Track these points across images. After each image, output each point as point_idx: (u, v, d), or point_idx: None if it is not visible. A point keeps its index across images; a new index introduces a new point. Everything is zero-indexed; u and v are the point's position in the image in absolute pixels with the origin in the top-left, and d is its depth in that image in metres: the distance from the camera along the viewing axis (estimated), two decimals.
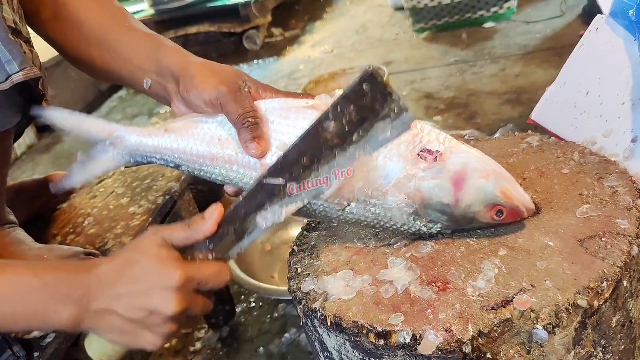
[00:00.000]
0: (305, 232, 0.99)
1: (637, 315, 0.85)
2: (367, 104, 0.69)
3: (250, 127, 0.82)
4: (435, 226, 0.84)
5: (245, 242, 0.79)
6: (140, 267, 0.76)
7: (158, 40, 0.98)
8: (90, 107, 3.81)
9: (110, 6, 1.05)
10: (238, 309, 1.68)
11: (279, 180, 0.74)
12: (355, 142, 0.72)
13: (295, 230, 1.77)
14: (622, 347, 0.83)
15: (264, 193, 0.75)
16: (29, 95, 0.99)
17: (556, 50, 2.89)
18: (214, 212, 0.79)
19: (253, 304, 1.68)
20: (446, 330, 0.72)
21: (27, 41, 0.99)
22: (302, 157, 0.73)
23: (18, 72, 0.92)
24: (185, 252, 0.79)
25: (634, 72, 1.03)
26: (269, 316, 1.63)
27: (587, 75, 1.12)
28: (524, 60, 2.89)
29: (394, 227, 0.85)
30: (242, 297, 1.71)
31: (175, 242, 0.78)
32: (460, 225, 0.84)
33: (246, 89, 0.87)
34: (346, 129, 0.71)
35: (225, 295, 1.63)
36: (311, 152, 0.73)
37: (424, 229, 0.85)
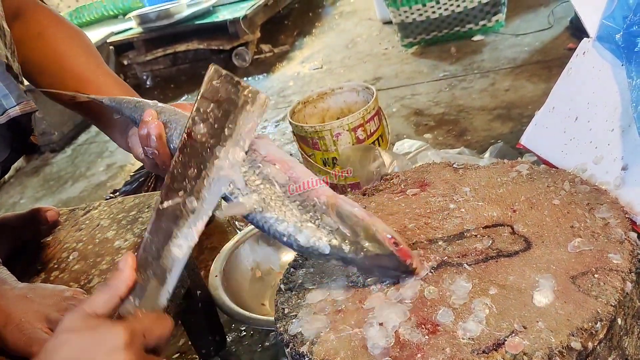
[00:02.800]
0: (292, 269, 0.97)
1: (632, 352, 0.83)
2: (223, 98, 0.72)
3: None
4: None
5: (170, 283, 0.73)
6: (71, 346, 0.65)
7: (130, 91, 1.05)
8: (79, 128, 3.79)
9: (87, 45, 1.06)
10: (229, 339, 1.65)
11: (177, 200, 0.72)
12: (230, 135, 0.72)
13: (286, 256, 1.75)
14: None
15: (166, 220, 0.72)
16: (17, 130, 0.98)
17: (545, 63, 2.89)
18: (127, 258, 0.72)
19: (244, 333, 1.65)
20: None
21: (17, 77, 0.98)
22: (188, 168, 0.72)
23: (15, 106, 0.91)
24: (113, 317, 0.70)
25: (623, 97, 1.01)
26: (260, 345, 1.60)
27: (576, 100, 1.11)
28: (513, 74, 2.89)
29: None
30: (233, 325, 1.68)
31: (99, 310, 0.68)
32: (356, 246, 0.80)
33: None
34: (216, 126, 0.72)
35: (215, 325, 1.60)
36: (194, 160, 0.72)
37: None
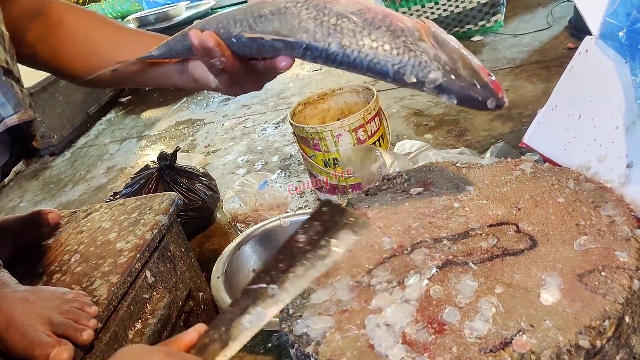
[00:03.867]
0: None
1: None
2: (328, 219, 0.81)
3: None
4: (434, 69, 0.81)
5: (231, 350, 0.77)
6: None
7: (165, 37, 1.03)
8: (78, 131, 3.78)
9: (106, 19, 1.07)
10: None
11: (261, 284, 0.77)
12: (323, 246, 0.79)
13: None
14: None
15: (246, 298, 0.77)
16: (17, 134, 0.97)
17: (544, 63, 2.88)
18: (198, 326, 0.79)
19: None
20: None
21: (18, 80, 0.98)
22: (280, 263, 0.79)
23: (12, 114, 0.90)
24: None
25: (626, 95, 1.01)
26: (263, 347, 1.59)
27: (579, 98, 1.11)
28: (512, 74, 2.88)
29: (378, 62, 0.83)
30: None
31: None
32: (456, 73, 0.81)
33: None
34: (314, 238, 0.80)
35: None
36: (287, 259, 0.79)
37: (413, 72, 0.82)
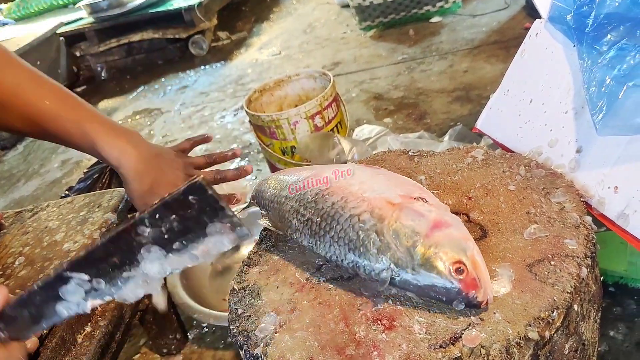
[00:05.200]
0: (245, 268, 0.94)
1: (589, 336, 0.82)
2: (192, 215, 0.63)
3: None
4: (385, 268, 0.75)
5: (44, 325, 0.72)
6: None
7: (92, 128, 0.99)
8: None
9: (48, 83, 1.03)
10: (190, 336, 1.61)
11: (83, 276, 0.67)
12: (178, 250, 0.66)
13: (246, 249, 1.71)
14: None
15: (63, 284, 0.69)
16: None
17: (502, 43, 2.90)
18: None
19: (206, 330, 1.61)
20: None
21: None
22: (111, 257, 0.67)
23: None
24: None
25: (575, 79, 1.00)
26: (222, 342, 1.56)
27: (530, 83, 1.10)
28: (471, 55, 2.88)
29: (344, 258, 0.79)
30: (194, 323, 1.64)
31: None
32: (412, 271, 0.73)
33: None
34: (165, 237, 0.65)
35: (175, 324, 1.56)
36: (120, 254, 0.67)
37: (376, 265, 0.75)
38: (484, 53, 2.86)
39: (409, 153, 1.10)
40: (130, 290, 0.68)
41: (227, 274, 1.68)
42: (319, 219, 0.81)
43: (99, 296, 0.69)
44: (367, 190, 0.80)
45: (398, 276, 0.73)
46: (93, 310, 1.17)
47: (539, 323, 0.70)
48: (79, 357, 1.07)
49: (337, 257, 0.80)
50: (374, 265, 0.75)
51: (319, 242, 0.82)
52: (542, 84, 1.07)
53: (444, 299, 0.72)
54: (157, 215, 0.64)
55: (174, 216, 0.63)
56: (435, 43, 3.14)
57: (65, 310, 0.69)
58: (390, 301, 0.77)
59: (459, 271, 0.70)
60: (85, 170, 2.13)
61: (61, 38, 4.17)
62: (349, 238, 0.77)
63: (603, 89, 0.88)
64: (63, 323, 1.08)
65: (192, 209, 0.63)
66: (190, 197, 0.62)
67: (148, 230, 0.64)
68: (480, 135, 1.86)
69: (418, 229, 0.74)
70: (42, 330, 0.71)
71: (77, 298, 0.68)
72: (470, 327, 0.71)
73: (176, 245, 0.65)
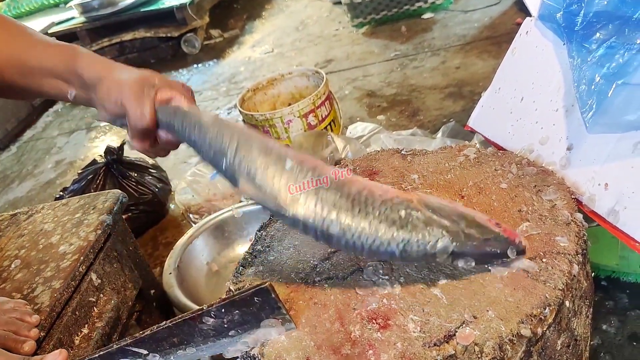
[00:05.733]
0: (241, 268, 0.95)
1: (581, 331, 0.83)
2: (254, 312, 0.74)
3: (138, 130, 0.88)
4: (440, 237, 0.75)
5: None
6: None
7: (73, 51, 0.94)
8: (24, 124, 3.65)
9: (13, 27, 0.98)
10: None
11: (143, 351, 0.75)
12: (232, 337, 0.76)
13: (241, 248, 1.72)
14: None
15: (122, 356, 0.75)
16: None
17: (494, 39, 2.90)
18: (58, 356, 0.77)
19: None
20: None
21: None
22: (172, 337, 0.75)
23: None
24: None
25: (565, 77, 1.01)
26: None
27: (521, 81, 1.10)
28: (463, 51, 2.89)
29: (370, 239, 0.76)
30: None
31: None
32: (464, 233, 0.75)
33: (152, 91, 0.89)
34: (224, 327, 0.75)
35: None
36: (180, 336, 0.75)
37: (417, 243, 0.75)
38: (476, 49, 2.87)
39: (402, 152, 1.11)
40: None
41: (222, 274, 1.68)
42: (350, 204, 0.77)
43: None
44: (377, 185, 0.81)
45: (454, 242, 0.74)
46: (90, 309, 1.19)
47: (532, 320, 0.71)
48: (77, 358, 1.08)
49: (380, 239, 0.75)
50: (427, 238, 0.74)
51: (354, 227, 0.76)
52: (533, 82, 1.08)
53: (499, 251, 0.75)
54: (223, 310, 0.73)
55: (237, 311, 0.73)
56: (428, 39, 3.15)
57: None
58: (384, 300, 0.78)
59: (498, 225, 0.75)
60: (80, 171, 2.13)
61: (53, 38, 4.15)
62: (392, 219, 0.75)
63: (593, 87, 0.89)
64: (60, 325, 1.09)
65: (255, 307, 0.73)
66: (256, 299, 0.72)
67: (212, 320, 0.74)
68: (473, 132, 1.88)
69: (445, 202, 0.78)
70: None
71: None
72: (463, 325, 0.72)
73: (232, 332, 0.75)
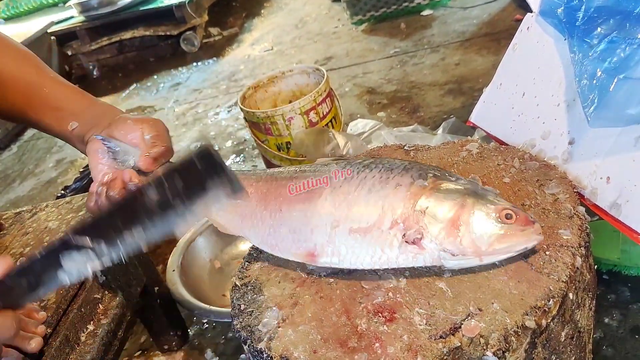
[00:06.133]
0: (247, 264, 0.95)
1: (585, 323, 0.84)
2: (198, 179, 0.70)
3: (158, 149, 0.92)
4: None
5: (41, 292, 0.74)
6: None
7: (88, 95, 1.04)
8: (23, 124, 3.65)
9: (28, 56, 1.02)
10: (191, 332, 1.62)
11: (86, 241, 0.71)
12: (178, 214, 0.71)
13: (244, 245, 1.73)
14: (573, 358, 0.82)
15: (65, 249, 0.72)
16: None
17: (493, 35, 2.91)
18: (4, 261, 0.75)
19: (206, 326, 1.63)
20: None
21: None
22: (116, 220, 0.71)
23: None
24: None
25: (566, 72, 1.02)
26: (223, 337, 1.58)
27: (522, 76, 1.11)
28: (462, 47, 2.90)
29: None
30: (195, 319, 1.66)
31: None
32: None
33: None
34: (169, 200, 0.70)
35: (176, 320, 1.57)
36: (125, 215, 0.71)
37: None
38: (475, 45, 2.88)
39: (405, 148, 1.12)
40: (126, 250, 0.72)
41: (225, 271, 1.69)
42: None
43: (100, 259, 0.71)
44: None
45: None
46: (95, 306, 1.19)
47: (536, 312, 0.72)
48: (83, 355, 1.09)
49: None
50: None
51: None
52: (534, 78, 1.09)
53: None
54: (165, 180, 0.69)
55: (179, 179, 0.69)
56: (427, 36, 3.16)
57: (66, 276, 0.72)
58: (390, 294, 0.79)
59: (508, 216, 0.76)
60: (81, 170, 2.14)
61: (52, 37, 4.16)
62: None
63: (594, 81, 0.90)
64: (66, 322, 1.09)
65: (197, 173, 0.69)
66: (198, 162, 0.69)
67: (155, 193, 0.70)
68: (474, 127, 1.89)
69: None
70: (38, 298, 0.74)
71: (79, 264, 0.71)
72: (469, 318, 0.73)
73: (177, 203, 0.70)
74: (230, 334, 1.58)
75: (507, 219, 0.76)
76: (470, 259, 0.77)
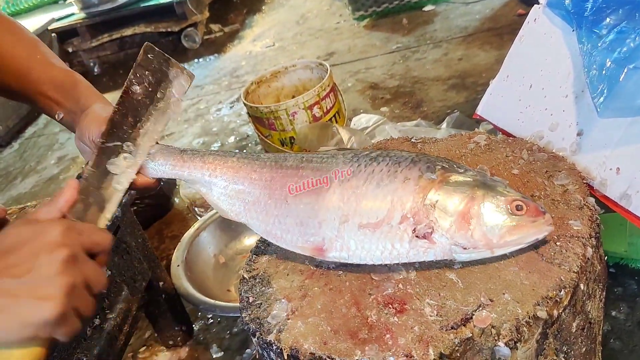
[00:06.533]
0: (254, 256, 0.95)
1: (595, 314, 0.84)
2: (156, 67, 0.88)
3: None
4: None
5: (109, 211, 0.83)
6: (13, 236, 0.68)
7: (74, 77, 1.00)
8: (25, 121, 3.65)
9: (22, 35, 1.01)
10: (196, 327, 1.62)
11: (117, 142, 0.84)
12: (161, 99, 0.88)
13: (248, 240, 1.73)
14: (584, 349, 0.82)
15: (107, 157, 0.83)
16: None
17: (496, 30, 2.91)
18: (71, 182, 0.80)
19: (211, 321, 1.63)
20: (407, 356, 0.69)
21: None
22: (126, 118, 0.86)
23: None
24: None
25: (575, 63, 1.01)
26: (228, 332, 1.58)
27: (529, 68, 1.11)
28: (465, 42, 2.89)
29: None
30: (199, 314, 1.65)
31: (41, 218, 0.74)
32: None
33: None
34: (150, 89, 0.87)
35: (180, 315, 1.57)
36: (131, 112, 0.86)
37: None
38: (477, 40, 2.88)
39: (412, 140, 1.11)
40: (148, 142, 0.87)
41: (230, 266, 1.69)
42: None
43: (135, 158, 0.85)
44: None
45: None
46: (101, 301, 1.19)
47: (547, 302, 0.71)
48: (90, 349, 1.09)
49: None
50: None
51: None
52: (542, 69, 1.08)
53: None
54: (138, 74, 0.86)
55: (146, 72, 0.87)
56: (429, 31, 3.15)
57: (118, 185, 0.83)
58: (400, 285, 0.79)
59: (518, 208, 0.75)
60: (84, 166, 2.13)
61: (53, 34, 4.16)
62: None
63: (603, 72, 0.89)
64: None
65: (154, 63, 0.87)
66: (149, 55, 0.87)
67: (137, 87, 0.86)
68: (478, 122, 1.88)
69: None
70: (108, 220, 0.82)
71: (122, 167, 0.83)
72: (480, 308, 0.72)
73: (159, 94, 0.88)
74: (236, 329, 1.57)
75: (517, 210, 0.75)
76: (482, 251, 0.76)
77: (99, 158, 0.83)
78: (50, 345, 0.68)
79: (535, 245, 0.79)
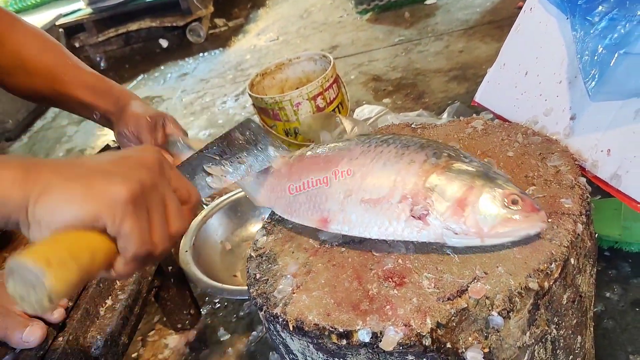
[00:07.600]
0: (261, 237, 0.99)
1: (586, 289, 0.88)
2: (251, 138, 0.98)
3: None
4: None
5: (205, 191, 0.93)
6: (110, 156, 0.69)
7: (106, 81, 1.11)
8: (34, 115, 3.70)
9: (49, 42, 1.08)
10: (203, 311, 1.67)
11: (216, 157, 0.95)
12: (252, 153, 0.97)
13: (254, 227, 1.77)
14: (575, 321, 0.86)
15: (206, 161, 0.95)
16: None
17: (496, 23, 2.94)
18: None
19: (218, 305, 1.67)
20: (406, 326, 0.73)
21: None
22: (228, 147, 0.96)
23: None
24: None
25: (568, 50, 1.05)
26: (235, 316, 1.62)
27: (525, 56, 1.14)
28: (466, 35, 2.93)
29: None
30: (207, 298, 1.70)
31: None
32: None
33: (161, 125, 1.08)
34: (249, 142, 0.97)
35: (188, 300, 1.62)
36: (231, 149, 0.97)
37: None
38: (478, 33, 2.91)
39: (412, 126, 1.15)
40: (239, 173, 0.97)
41: (236, 252, 1.73)
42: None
43: (229, 177, 0.95)
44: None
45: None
46: (113, 282, 1.24)
47: (539, 274, 0.75)
48: (103, 327, 1.13)
49: None
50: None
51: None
52: (537, 57, 1.12)
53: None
54: (241, 129, 0.99)
55: (248, 132, 0.99)
56: (431, 24, 3.18)
57: (213, 182, 0.94)
58: (400, 261, 0.83)
59: (514, 201, 0.77)
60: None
61: (60, 30, 4.20)
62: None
63: (595, 57, 0.93)
64: (86, 297, 1.13)
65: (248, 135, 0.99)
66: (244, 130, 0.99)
67: (239, 136, 0.99)
68: (477, 112, 1.92)
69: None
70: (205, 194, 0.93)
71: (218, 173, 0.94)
72: (475, 281, 0.76)
73: (254, 149, 0.98)
74: (242, 313, 1.62)
75: (513, 203, 0.77)
76: (472, 239, 0.79)
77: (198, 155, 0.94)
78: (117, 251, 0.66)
79: None
